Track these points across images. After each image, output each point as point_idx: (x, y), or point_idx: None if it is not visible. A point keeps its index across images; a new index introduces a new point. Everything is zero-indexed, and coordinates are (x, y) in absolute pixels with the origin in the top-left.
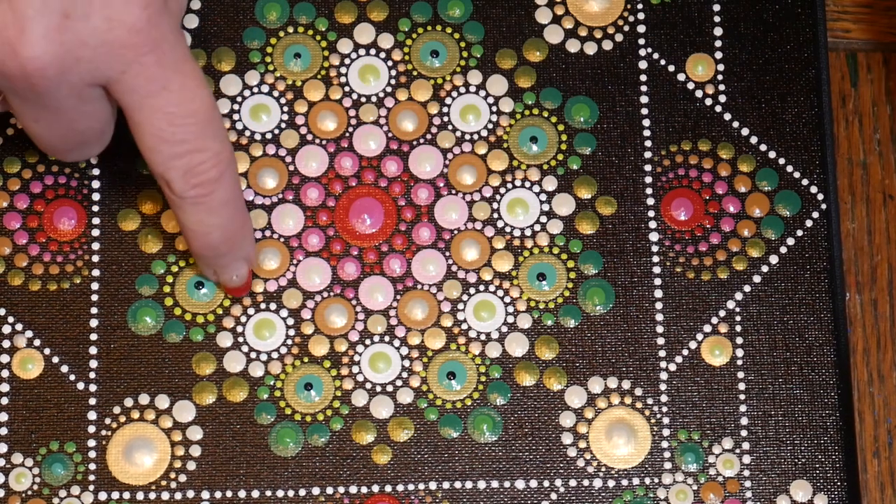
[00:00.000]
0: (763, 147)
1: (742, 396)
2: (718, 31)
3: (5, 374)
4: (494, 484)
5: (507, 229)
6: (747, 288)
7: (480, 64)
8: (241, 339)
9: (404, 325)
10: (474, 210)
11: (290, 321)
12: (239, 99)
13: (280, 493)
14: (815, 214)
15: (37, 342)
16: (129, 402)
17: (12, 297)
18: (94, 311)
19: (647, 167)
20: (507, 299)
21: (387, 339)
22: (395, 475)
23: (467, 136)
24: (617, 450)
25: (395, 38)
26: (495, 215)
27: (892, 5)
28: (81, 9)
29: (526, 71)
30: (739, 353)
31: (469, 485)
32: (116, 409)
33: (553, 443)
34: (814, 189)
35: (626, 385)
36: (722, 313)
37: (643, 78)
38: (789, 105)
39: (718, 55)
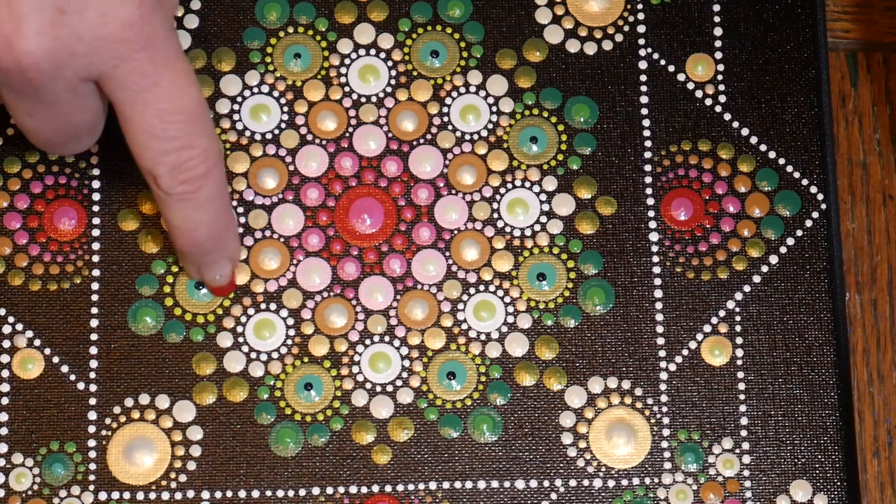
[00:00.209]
0: (763, 147)
1: (742, 396)
2: (718, 31)
3: (5, 374)
4: (494, 484)
5: (507, 229)
6: (747, 288)
7: (480, 64)
8: (241, 339)
9: (404, 325)
10: (474, 210)
11: (290, 321)
12: (239, 99)
13: (280, 493)
14: (815, 214)
15: (37, 342)
16: (129, 402)
17: (12, 297)
18: (94, 311)
19: (647, 167)
20: (507, 299)
21: (387, 339)
22: (395, 475)
23: (467, 137)
24: (617, 450)
25: (395, 39)
26: (495, 215)
27: (892, 5)
28: (76, 4)
29: (526, 71)
30: (739, 353)
31: (469, 485)
32: (117, 409)
33: (553, 443)
34: (814, 189)
35: (626, 385)
36: (722, 313)
37: (643, 78)
38: (789, 105)
39: (718, 55)
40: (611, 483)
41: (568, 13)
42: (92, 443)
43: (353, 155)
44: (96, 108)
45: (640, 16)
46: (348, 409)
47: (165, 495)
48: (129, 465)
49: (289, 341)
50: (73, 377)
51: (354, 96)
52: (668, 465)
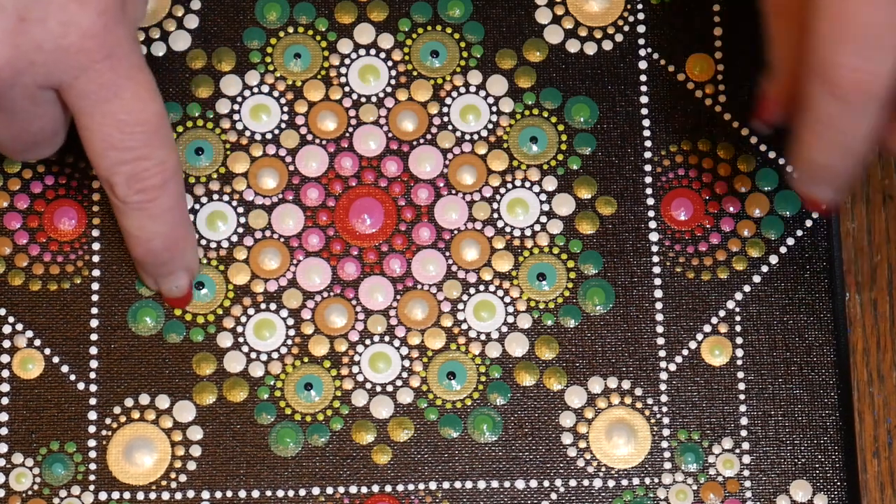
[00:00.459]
0: (763, 147)
1: (742, 396)
2: (718, 31)
3: (5, 374)
4: (494, 484)
5: (507, 229)
6: (747, 288)
7: (480, 64)
8: (241, 340)
9: (404, 325)
10: (474, 210)
11: (290, 321)
12: (239, 99)
13: (280, 493)
14: (815, 214)
15: (37, 342)
16: (129, 403)
17: (12, 297)
18: (94, 311)
19: (647, 167)
20: (507, 299)
21: (387, 339)
22: (395, 475)
23: (467, 137)
24: (617, 450)
25: (395, 39)
26: (495, 215)
27: None
28: (37, 12)
29: (526, 71)
30: (739, 353)
31: (469, 485)
32: (117, 409)
33: (553, 443)
34: None
35: (626, 385)
36: (722, 313)
37: (643, 78)
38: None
39: (718, 55)
40: (611, 483)
41: (568, 13)
42: (92, 443)
43: (353, 155)
44: (56, 116)
45: (640, 16)
46: (348, 409)
47: (165, 495)
48: (129, 465)
49: (289, 341)
50: (73, 377)
51: (354, 96)
52: (668, 465)
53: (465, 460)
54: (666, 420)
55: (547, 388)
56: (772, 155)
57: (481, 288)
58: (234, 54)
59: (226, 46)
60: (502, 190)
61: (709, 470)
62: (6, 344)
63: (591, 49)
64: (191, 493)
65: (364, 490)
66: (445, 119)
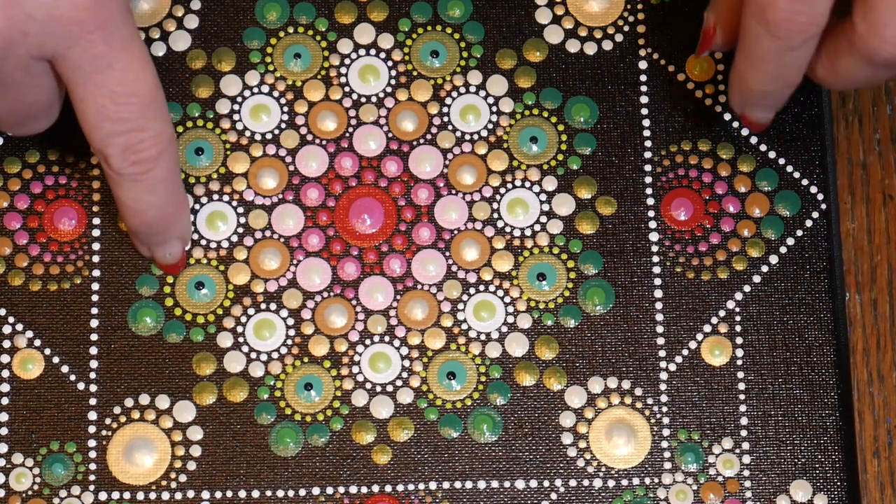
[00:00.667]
0: (763, 147)
1: (742, 396)
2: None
3: (6, 374)
4: (494, 484)
5: (507, 229)
6: (747, 288)
7: (480, 64)
8: (241, 340)
9: (404, 325)
10: (474, 210)
11: (291, 321)
12: (239, 99)
13: (280, 493)
14: (815, 214)
15: (37, 342)
16: (129, 403)
17: (13, 297)
18: (94, 311)
19: (647, 167)
20: (507, 299)
21: (387, 339)
22: (395, 475)
23: (467, 137)
24: (617, 450)
25: (395, 39)
26: (495, 215)
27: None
28: None
29: (526, 71)
30: (739, 353)
31: (469, 485)
32: (117, 410)
33: (553, 443)
34: (814, 189)
35: (626, 385)
36: (722, 313)
37: (643, 78)
38: (789, 105)
39: (718, 55)
40: (611, 483)
41: (568, 13)
42: (92, 443)
43: (353, 155)
44: (50, 87)
45: (640, 16)
46: (348, 409)
47: (165, 495)
48: (129, 465)
49: (289, 341)
50: (73, 377)
51: (354, 96)
52: (668, 465)
53: (465, 460)
54: (666, 420)
55: (547, 388)
56: (772, 155)
57: (481, 288)
58: (234, 54)
59: (226, 46)
60: (502, 190)
61: (709, 470)
62: (6, 344)
63: (591, 49)
64: (191, 493)
65: (364, 490)
66: (445, 119)
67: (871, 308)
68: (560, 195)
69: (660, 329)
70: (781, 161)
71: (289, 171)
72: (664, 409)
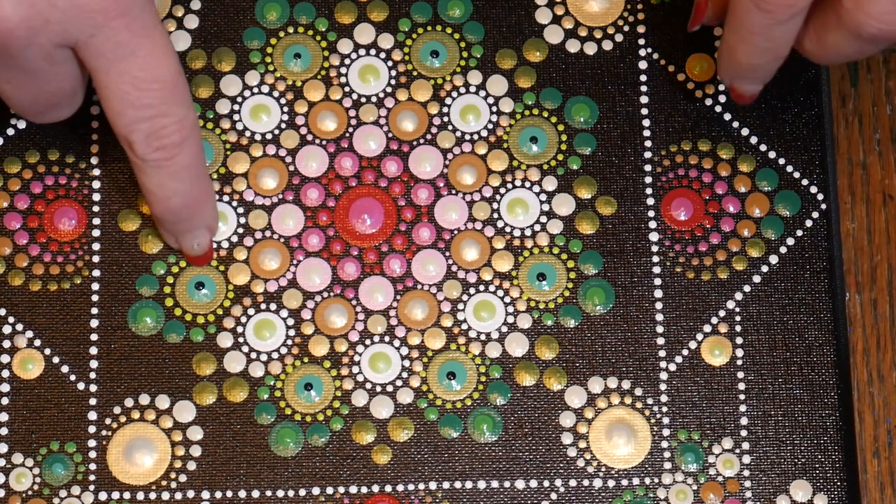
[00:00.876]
0: (763, 147)
1: (742, 396)
2: (718, 31)
3: (6, 374)
4: (494, 484)
5: (507, 229)
6: (747, 288)
7: (480, 64)
8: (241, 340)
9: (404, 325)
10: (474, 210)
11: (291, 321)
12: (239, 99)
13: (280, 493)
14: (815, 214)
15: (37, 342)
16: (129, 403)
17: (13, 297)
18: (94, 311)
19: (647, 167)
20: (507, 299)
21: (387, 339)
22: (395, 475)
23: (467, 137)
24: (617, 450)
25: (395, 39)
26: (495, 215)
27: None
28: None
29: (526, 71)
30: (739, 353)
31: (469, 485)
32: (117, 410)
33: (553, 443)
34: (814, 189)
35: (626, 385)
36: (722, 313)
37: (643, 78)
38: (789, 105)
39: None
40: (611, 483)
41: (568, 13)
42: (92, 443)
43: (353, 155)
44: (73, 75)
45: (640, 16)
46: (348, 409)
47: (165, 495)
48: (129, 465)
49: (289, 341)
50: (73, 377)
51: (354, 96)
52: (668, 465)
53: (465, 460)
54: (666, 420)
55: (547, 388)
56: (772, 155)
57: (481, 288)
58: (234, 54)
59: (226, 46)
60: (502, 190)
61: (709, 470)
62: (6, 344)
63: (591, 49)
64: (191, 493)
65: (364, 490)
66: (445, 119)
67: (871, 308)
68: (560, 195)
69: (660, 329)
70: (781, 161)
71: (289, 172)
72: (664, 409)
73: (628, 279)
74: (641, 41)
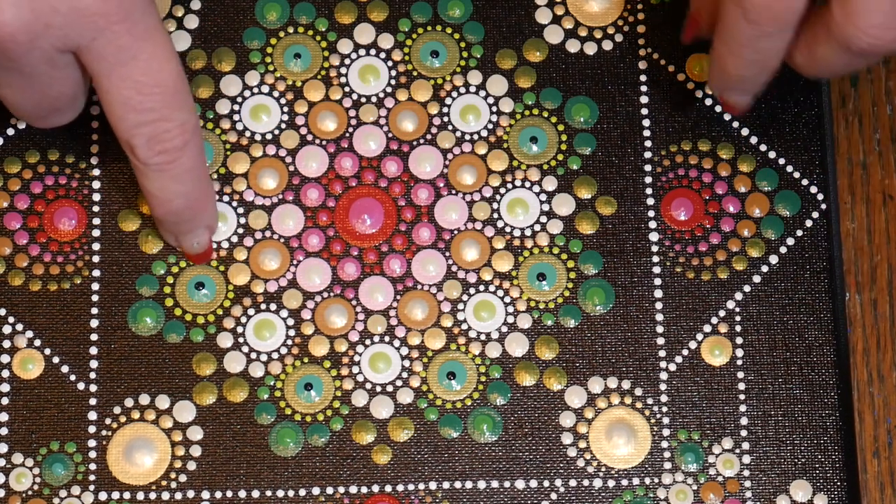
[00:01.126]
0: (763, 147)
1: (742, 396)
2: None
3: (6, 374)
4: (494, 484)
5: (507, 229)
6: (747, 288)
7: (480, 64)
8: (241, 340)
9: (404, 325)
10: (474, 210)
11: (291, 321)
12: (239, 99)
13: (280, 493)
14: (815, 214)
15: (37, 342)
16: (129, 403)
17: (13, 297)
18: (94, 311)
19: (647, 167)
20: (507, 299)
21: (387, 339)
22: (395, 475)
23: (467, 137)
24: (617, 450)
25: (395, 39)
26: (495, 215)
27: None
28: None
29: (526, 71)
30: (739, 353)
31: (469, 485)
32: (117, 410)
33: (553, 443)
34: (814, 189)
35: (626, 385)
36: (722, 313)
37: (643, 78)
38: (789, 105)
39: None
40: (611, 483)
41: (568, 13)
42: (92, 443)
43: (353, 155)
44: (75, 79)
45: (640, 16)
46: (348, 409)
47: (165, 495)
48: (129, 465)
49: (289, 341)
50: (73, 377)
51: (354, 96)
52: (668, 465)
53: (465, 460)
54: (666, 420)
55: (547, 388)
56: (772, 155)
57: (481, 288)
58: (234, 54)
59: (226, 46)
60: (502, 190)
61: (709, 470)
62: (6, 344)
63: (591, 49)
64: (191, 493)
65: (364, 490)
66: (445, 119)
67: (871, 308)
68: (560, 195)
69: (660, 329)
70: (781, 161)
71: (289, 172)
72: (664, 409)
73: (628, 279)
74: (641, 41)
